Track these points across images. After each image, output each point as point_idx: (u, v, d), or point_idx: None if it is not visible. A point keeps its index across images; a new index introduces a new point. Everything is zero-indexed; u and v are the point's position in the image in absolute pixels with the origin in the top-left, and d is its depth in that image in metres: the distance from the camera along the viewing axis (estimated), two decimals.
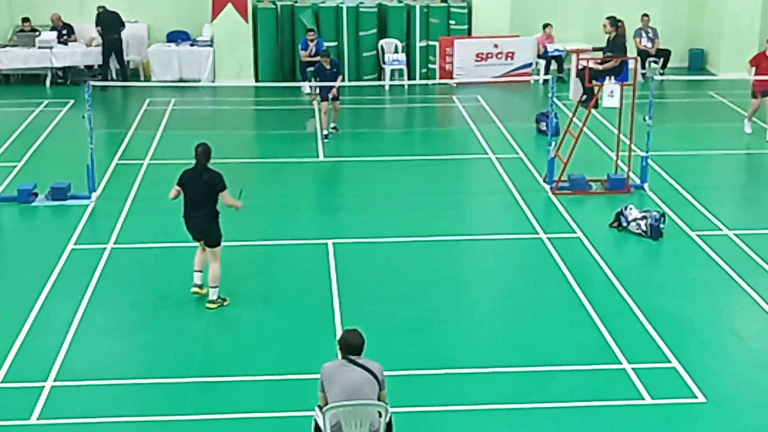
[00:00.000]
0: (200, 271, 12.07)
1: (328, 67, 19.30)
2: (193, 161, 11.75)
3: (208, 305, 11.80)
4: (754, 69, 19.35)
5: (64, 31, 24.15)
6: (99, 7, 23.73)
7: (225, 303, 11.86)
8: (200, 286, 12.05)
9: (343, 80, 21.00)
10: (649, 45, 24.68)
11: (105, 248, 13.68)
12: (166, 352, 10.86)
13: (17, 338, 11.02)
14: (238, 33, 24.01)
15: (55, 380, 10.16)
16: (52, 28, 24.17)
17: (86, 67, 24.30)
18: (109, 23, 23.48)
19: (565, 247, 13.73)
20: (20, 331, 11.18)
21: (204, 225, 11.83)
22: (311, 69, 23.01)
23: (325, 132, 19.20)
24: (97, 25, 23.59)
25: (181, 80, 24.12)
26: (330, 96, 19.16)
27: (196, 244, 12.17)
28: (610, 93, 15.68)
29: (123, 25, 23.63)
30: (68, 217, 14.92)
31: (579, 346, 10.98)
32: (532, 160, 17.78)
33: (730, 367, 10.63)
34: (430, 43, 24.72)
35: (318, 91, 19.48)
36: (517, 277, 13.03)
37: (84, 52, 23.94)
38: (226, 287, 12.42)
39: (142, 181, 16.67)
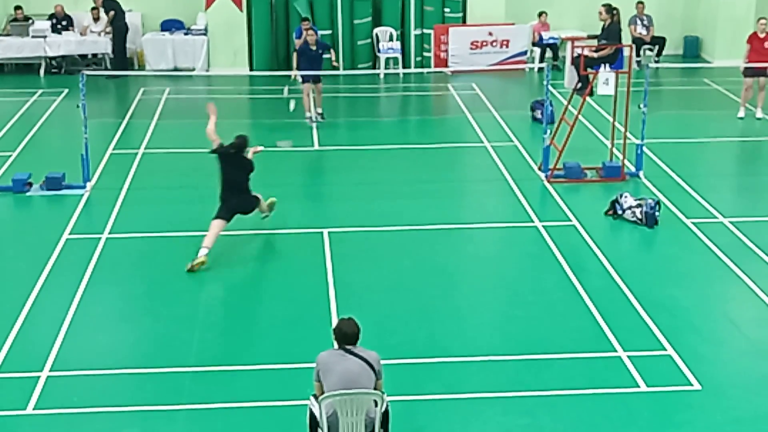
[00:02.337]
0: (208, 248, 12.64)
1: (313, 48, 19.12)
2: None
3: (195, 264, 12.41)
4: (749, 47, 19.50)
5: (64, 22, 24.11)
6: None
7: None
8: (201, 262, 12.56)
9: (336, 56, 20.98)
10: (644, 32, 24.67)
11: (100, 238, 13.66)
12: (162, 341, 10.86)
13: (13, 328, 11.01)
14: (232, 21, 23.96)
15: (50, 370, 10.15)
16: (51, 16, 24.13)
17: (80, 56, 24.26)
18: (119, 9, 23.56)
19: (560, 235, 13.74)
20: (15, 322, 11.17)
21: (246, 199, 13.17)
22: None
23: (309, 114, 19.14)
24: (108, 11, 23.58)
25: (175, 69, 24.07)
26: (311, 78, 18.98)
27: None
28: (605, 81, 15.67)
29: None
30: (63, 206, 14.90)
31: (574, 333, 10.99)
32: (527, 148, 17.78)
33: (726, 354, 10.65)
34: (425, 31, 24.70)
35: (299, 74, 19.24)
36: (513, 265, 13.04)
37: (78, 41, 23.90)
38: (222, 276, 12.44)
39: (137, 170, 16.64)
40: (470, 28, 24.44)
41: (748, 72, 19.56)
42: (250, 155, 13.21)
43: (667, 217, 14.36)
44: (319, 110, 19.51)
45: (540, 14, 24.81)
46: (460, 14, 24.77)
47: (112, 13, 23.60)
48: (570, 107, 16.86)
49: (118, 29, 23.62)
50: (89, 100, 16.01)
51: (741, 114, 19.81)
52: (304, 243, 13.53)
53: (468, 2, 24.73)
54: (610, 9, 16.33)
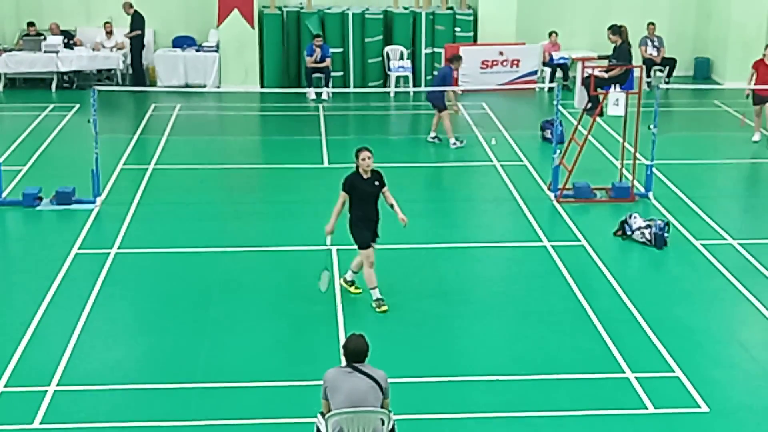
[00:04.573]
0: (356, 272, 12.44)
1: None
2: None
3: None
4: (754, 73, 19.46)
5: (64, 38, 24.22)
6: (128, 5, 23.82)
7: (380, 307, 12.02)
8: (351, 283, 12.46)
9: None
10: (655, 53, 24.68)
11: (109, 253, 13.69)
12: (170, 357, 10.86)
13: (21, 342, 11.03)
14: (244, 39, 24.05)
15: (58, 385, 10.16)
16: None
17: (97, 71, 24.36)
18: (144, 25, 23.79)
19: (569, 256, 13.72)
20: (24, 335, 11.19)
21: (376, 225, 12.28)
22: (317, 75, 23.14)
23: (453, 140, 19.44)
24: (135, 27, 23.76)
25: (186, 85, 24.16)
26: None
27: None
28: (616, 101, 15.68)
29: None
30: (73, 221, 14.94)
31: (582, 354, 10.97)
32: (536, 167, 17.79)
33: (734, 376, 10.61)
34: (436, 50, 24.73)
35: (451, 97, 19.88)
36: (521, 285, 13.02)
37: (90, 57, 23.99)
38: (230, 292, 12.45)
39: (147, 185, 16.68)
40: (481, 48, 24.49)
41: (756, 99, 19.56)
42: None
43: (676, 239, 14.34)
44: (433, 134, 19.85)
45: (551, 34, 24.85)
46: (471, 33, 24.82)
47: (137, 32, 23.79)
48: (580, 127, 16.87)
49: (138, 45, 23.82)
50: (100, 115, 16.06)
51: (756, 138, 19.75)
52: (313, 260, 13.52)
53: (479, 22, 24.78)
54: (616, 30, 16.34)
